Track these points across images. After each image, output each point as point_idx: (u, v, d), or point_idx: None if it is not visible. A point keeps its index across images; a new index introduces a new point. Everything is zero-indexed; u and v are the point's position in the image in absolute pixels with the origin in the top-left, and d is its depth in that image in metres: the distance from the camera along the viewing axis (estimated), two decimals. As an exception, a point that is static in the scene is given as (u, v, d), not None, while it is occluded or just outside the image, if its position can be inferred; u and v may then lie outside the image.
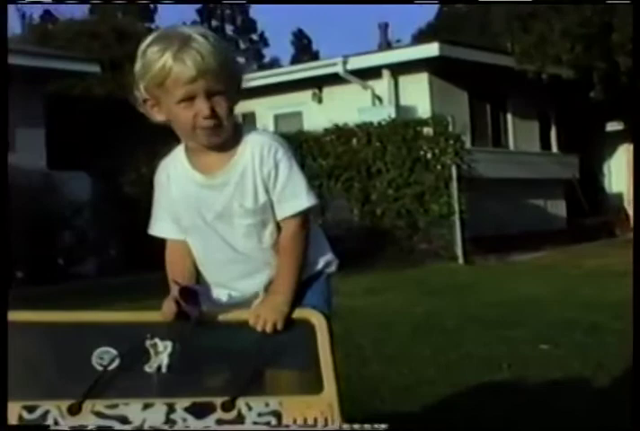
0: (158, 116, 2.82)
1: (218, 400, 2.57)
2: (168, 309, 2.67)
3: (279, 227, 2.83)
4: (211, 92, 2.71)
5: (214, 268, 2.92)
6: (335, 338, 2.72)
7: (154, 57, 2.69)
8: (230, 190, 2.80)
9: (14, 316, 2.73)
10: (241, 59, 55.41)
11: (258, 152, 2.77)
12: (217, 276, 2.92)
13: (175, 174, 2.90)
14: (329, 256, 2.98)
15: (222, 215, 2.83)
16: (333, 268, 2.99)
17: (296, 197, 2.79)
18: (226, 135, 2.77)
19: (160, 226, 2.97)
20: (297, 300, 2.79)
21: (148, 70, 2.71)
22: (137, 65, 2.76)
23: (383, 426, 2.55)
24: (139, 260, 16.50)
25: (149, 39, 2.75)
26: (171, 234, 2.95)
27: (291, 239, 2.81)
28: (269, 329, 2.67)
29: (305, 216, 2.82)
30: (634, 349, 4.07)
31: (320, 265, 2.94)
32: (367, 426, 2.55)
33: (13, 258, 14.28)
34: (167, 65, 2.66)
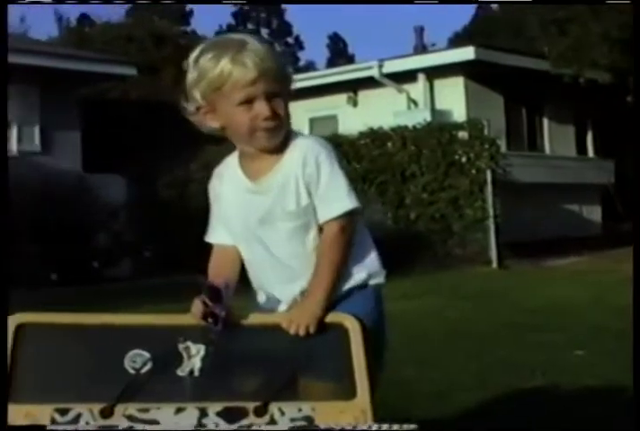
0: (213, 123, 2.83)
1: (251, 405, 2.55)
2: (196, 309, 2.67)
3: (322, 231, 2.80)
4: (270, 94, 2.73)
5: (258, 274, 2.92)
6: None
7: (209, 64, 2.71)
8: (274, 194, 2.80)
9: (47, 318, 2.74)
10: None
11: (301, 155, 2.77)
12: (260, 281, 2.92)
13: (228, 181, 2.93)
14: (375, 266, 2.90)
15: (266, 219, 2.82)
16: (378, 280, 2.91)
17: (337, 199, 2.77)
18: (282, 136, 2.79)
19: (214, 233, 3.00)
20: (335, 309, 2.74)
21: (204, 77, 2.73)
22: (191, 75, 2.78)
23: (412, 425, 2.53)
24: (174, 263, 16.57)
25: (199, 49, 2.78)
26: (223, 240, 2.96)
27: (331, 242, 2.76)
28: (302, 332, 2.64)
29: (345, 220, 2.77)
30: (634, 351, 4.03)
31: (363, 275, 2.86)
32: (395, 426, 2.54)
33: (47, 259, 14.38)
34: (226, 69, 2.68)
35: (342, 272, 2.77)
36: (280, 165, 2.80)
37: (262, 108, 2.72)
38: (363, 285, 2.86)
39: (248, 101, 2.72)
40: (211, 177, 3.01)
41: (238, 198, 2.88)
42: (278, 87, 2.75)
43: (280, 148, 2.80)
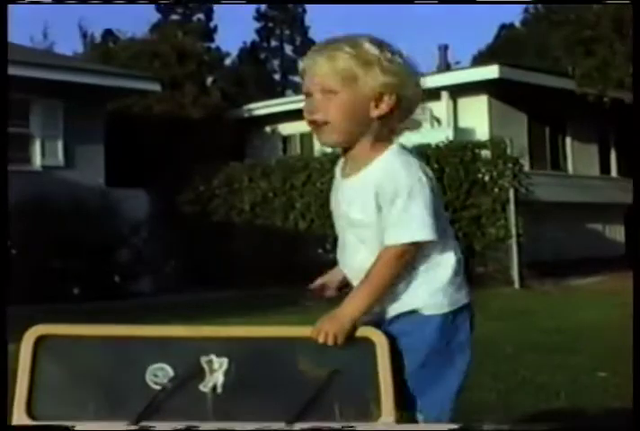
0: None
1: (275, 425, 2.46)
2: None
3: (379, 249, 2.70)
4: (309, 91, 2.81)
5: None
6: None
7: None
8: (348, 199, 2.78)
9: (68, 330, 2.67)
10: (299, 79, 55.99)
11: (383, 173, 2.69)
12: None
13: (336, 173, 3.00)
14: (434, 298, 2.72)
15: (341, 217, 2.84)
16: (435, 311, 2.71)
17: (407, 227, 2.63)
18: (334, 137, 2.76)
19: None
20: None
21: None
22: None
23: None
24: (195, 278, 16.56)
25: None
26: None
27: (383, 265, 2.64)
28: (330, 341, 2.56)
29: (407, 248, 2.63)
30: (634, 357, 3.97)
31: (413, 303, 2.71)
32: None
33: (69, 274, 14.39)
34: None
35: (382, 295, 2.66)
36: (361, 175, 2.74)
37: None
38: (413, 312, 2.71)
39: (307, 95, 2.77)
40: None
41: (333, 191, 2.92)
42: (317, 84, 2.73)
43: (364, 155, 2.75)
